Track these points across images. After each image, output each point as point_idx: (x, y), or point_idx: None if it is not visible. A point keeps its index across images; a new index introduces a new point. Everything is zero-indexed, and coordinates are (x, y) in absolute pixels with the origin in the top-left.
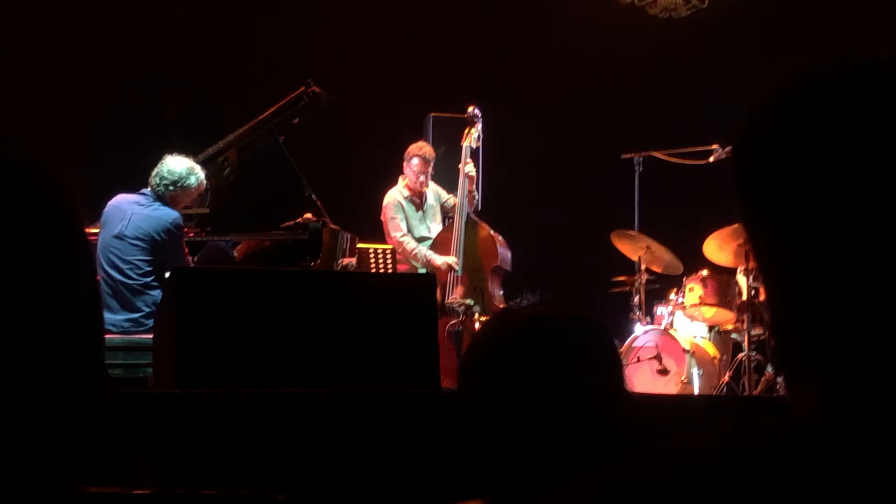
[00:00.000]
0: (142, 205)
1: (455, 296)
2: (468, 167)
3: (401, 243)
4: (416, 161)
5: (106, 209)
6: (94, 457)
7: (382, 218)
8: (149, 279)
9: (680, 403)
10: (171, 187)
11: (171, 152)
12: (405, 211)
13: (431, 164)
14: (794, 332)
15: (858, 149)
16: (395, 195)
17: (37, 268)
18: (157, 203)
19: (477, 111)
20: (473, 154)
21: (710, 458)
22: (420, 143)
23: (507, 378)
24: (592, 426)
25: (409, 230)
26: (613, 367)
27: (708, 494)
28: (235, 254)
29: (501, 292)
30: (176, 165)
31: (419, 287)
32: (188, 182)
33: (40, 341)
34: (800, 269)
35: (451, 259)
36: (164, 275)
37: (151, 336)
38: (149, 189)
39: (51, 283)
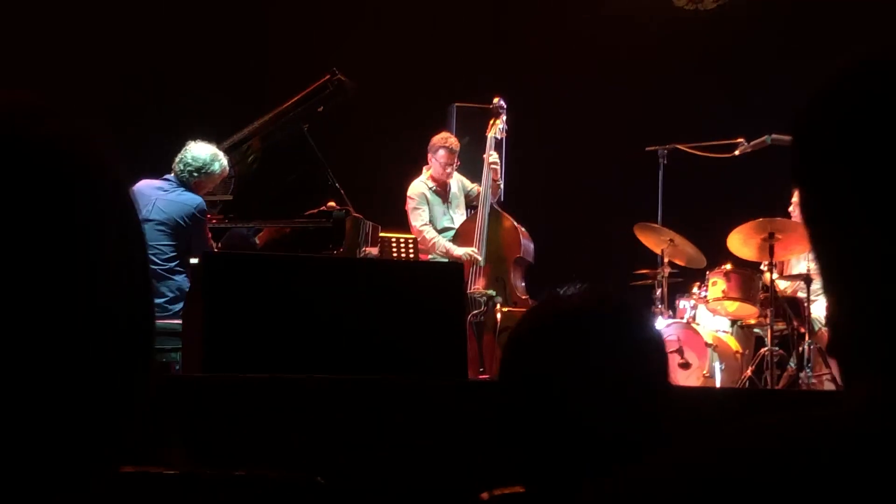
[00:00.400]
0: (165, 190)
1: (477, 286)
2: (492, 157)
3: (421, 233)
4: (442, 152)
5: None
6: (136, 437)
7: (406, 208)
8: (173, 264)
9: (710, 396)
10: (195, 174)
11: (194, 139)
12: (429, 202)
13: (457, 155)
14: (850, 322)
15: None
16: (420, 186)
17: (85, 252)
18: (181, 188)
19: (502, 102)
20: (498, 145)
21: (755, 451)
22: (445, 134)
23: (551, 365)
24: (631, 419)
25: (432, 221)
26: (657, 360)
27: (754, 487)
28: (257, 241)
29: (523, 283)
30: (200, 152)
31: (447, 275)
32: (212, 168)
33: (88, 333)
34: (860, 258)
35: (471, 250)
36: (188, 260)
37: (176, 321)
38: (172, 175)
39: (98, 270)
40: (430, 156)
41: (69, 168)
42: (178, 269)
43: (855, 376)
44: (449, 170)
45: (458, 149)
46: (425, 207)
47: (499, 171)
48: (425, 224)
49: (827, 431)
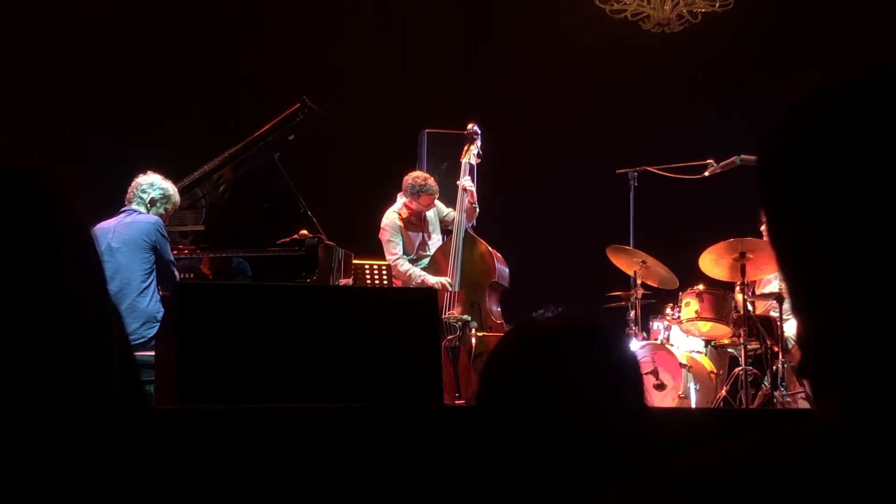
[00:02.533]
0: (122, 220)
1: (452, 311)
2: (467, 182)
3: (395, 266)
4: (424, 198)
5: None
6: (138, 474)
7: (380, 237)
8: (144, 285)
9: (686, 417)
10: (156, 201)
11: (164, 171)
12: (402, 233)
13: (436, 192)
14: (819, 340)
15: (886, 157)
16: (393, 217)
17: (38, 283)
18: (136, 211)
19: (476, 128)
20: (472, 170)
21: (734, 470)
22: (422, 176)
23: (527, 389)
24: (610, 438)
25: (408, 248)
26: (632, 381)
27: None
28: (203, 269)
29: (498, 308)
30: (156, 179)
31: (421, 301)
32: (169, 193)
33: (41, 364)
34: (826, 278)
35: (445, 280)
36: (153, 285)
37: (148, 353)
38: (127, 205)
39: (52, 300)
40: (408, 197)
41: (23, 198)
42: (143, 295)
43: (825, 395)
44: (431, 208)
45: (436, 187)
46: (398, 239)
47: (474, 195)
48: (399, 258)
49: (800, 449)
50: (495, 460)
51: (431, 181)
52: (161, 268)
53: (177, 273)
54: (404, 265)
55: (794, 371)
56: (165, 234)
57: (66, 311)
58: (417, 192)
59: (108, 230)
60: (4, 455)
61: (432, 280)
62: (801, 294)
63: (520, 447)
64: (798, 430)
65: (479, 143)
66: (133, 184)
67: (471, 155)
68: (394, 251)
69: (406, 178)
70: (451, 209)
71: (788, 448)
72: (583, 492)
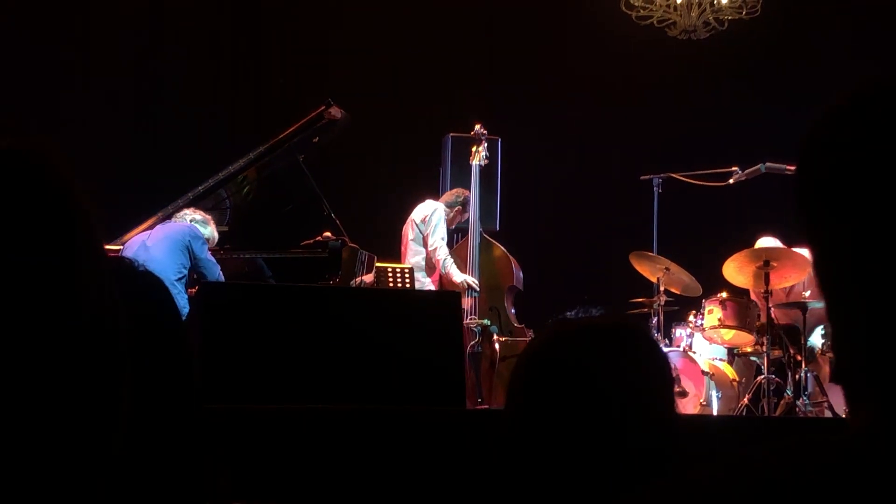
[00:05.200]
0: (159, 227)
1: (472, 317)
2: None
3: (436, 248)
4: (466, 214)
5: (123, 250)
6: (199, 473)
7: (424, 220)
8: (179, 284)
9: (708, 424)
10: (189, 214)
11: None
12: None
13: None
14: (856, 346)
15: None
16: (446, 210)
17: (55, 267)
18: (174, 219)
19: (483, 129)
20: (481, 172)
21: (762, 479)
22: (468, 193)
23: (567, 386)
24: (646, 440)
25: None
26: (666, 381)
27: None
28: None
29: (514, 311)
30: (194, 213)
31: (445, 304)
32: (207, 217)
33: (54, 350)
34: (866, 282)
35: (471, 279)
36: (182, 284)
37: None
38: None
39: (69, 285)
40: (459, 207)
41: (39, 184)
42: (175, 288)
43: (860, 402)
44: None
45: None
46: (446, 228)
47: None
48: (443, 238)
49: (831, 458)
50: (527, 462)
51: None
52: (199, 267)
53: (217, 270)
54: (444, 251)
55: (817, 380)
56: (200, 235)
57: (81, 297)
58: (468, 206)
59: (145, 235)
60: (21, 446)
61: (458, 277)
62: (839, 298)
63: (554, 447)
64: (830, 438)
65: (485, 144)
66: (180, 213)
67: (479, 157)
68: (442, 233)
69: (461, 190)
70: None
71: (819, 457)
72: (621, 492)
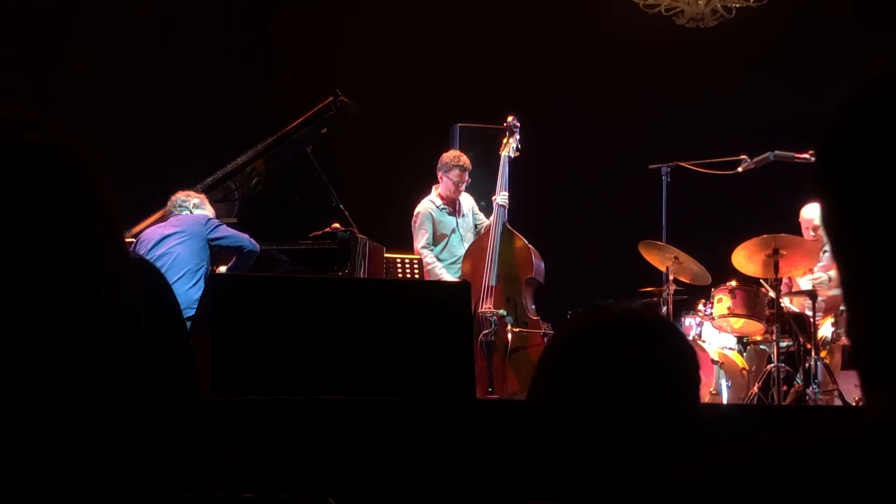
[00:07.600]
0: (172, 221)
1: (488, 306)
2: (502, 199)
3: (420, 254)
4: (455, 171)
5: (136, 243)
6: (204, 463)
7: (412, 224)
8: (180, 275)
9: (718, 413)
10: (185, 201)
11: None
12: (435, 220)
13: (468, 173)
14: (873, 330)
15: None
16: (427, 205)
17: (76, 252)
18: (185, 210)
19: (516, 121)
20: (510, 163)
21: (775, 466)
22: (456, 153)
23: (595, 372)
24: (673, 428)
25: (440, 235)
26: (692, 371)
27: (779, 496)
28: None
29: (533, 305)
30: (179, 195)
31: (454, 295)
32: (198, 196)
33: (76, 349)
34: (885, 266)
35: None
36: (200, 274)
37: None
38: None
39: (89, 269)
40: (440, 174)
41: (56, 173)
42: (193, 277)
43: (876, 388)
44: (462, 188)
45: (470, 167)
46: (428, 228)
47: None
48: (426, 247)
49: (846, 446)
50: (555, 448)
51: (465, 159)
52: (227, 246)
53: (246, 236)
54: (429, 257)
55: (827, 369)
56: (212, 219)
57: (105, 297)
58: (450, 167)
59: (160, 227)
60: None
61: (448, 279)
62: (857, 281)
63: (582, 433)
64: (844, 425)
65: (518, 136)
66: (168, 204)
67: (510, 148)
68: (422, 239)
69: (442, 156)
70: (485, 221)
71: (834, 444)
72: (636, 478)
